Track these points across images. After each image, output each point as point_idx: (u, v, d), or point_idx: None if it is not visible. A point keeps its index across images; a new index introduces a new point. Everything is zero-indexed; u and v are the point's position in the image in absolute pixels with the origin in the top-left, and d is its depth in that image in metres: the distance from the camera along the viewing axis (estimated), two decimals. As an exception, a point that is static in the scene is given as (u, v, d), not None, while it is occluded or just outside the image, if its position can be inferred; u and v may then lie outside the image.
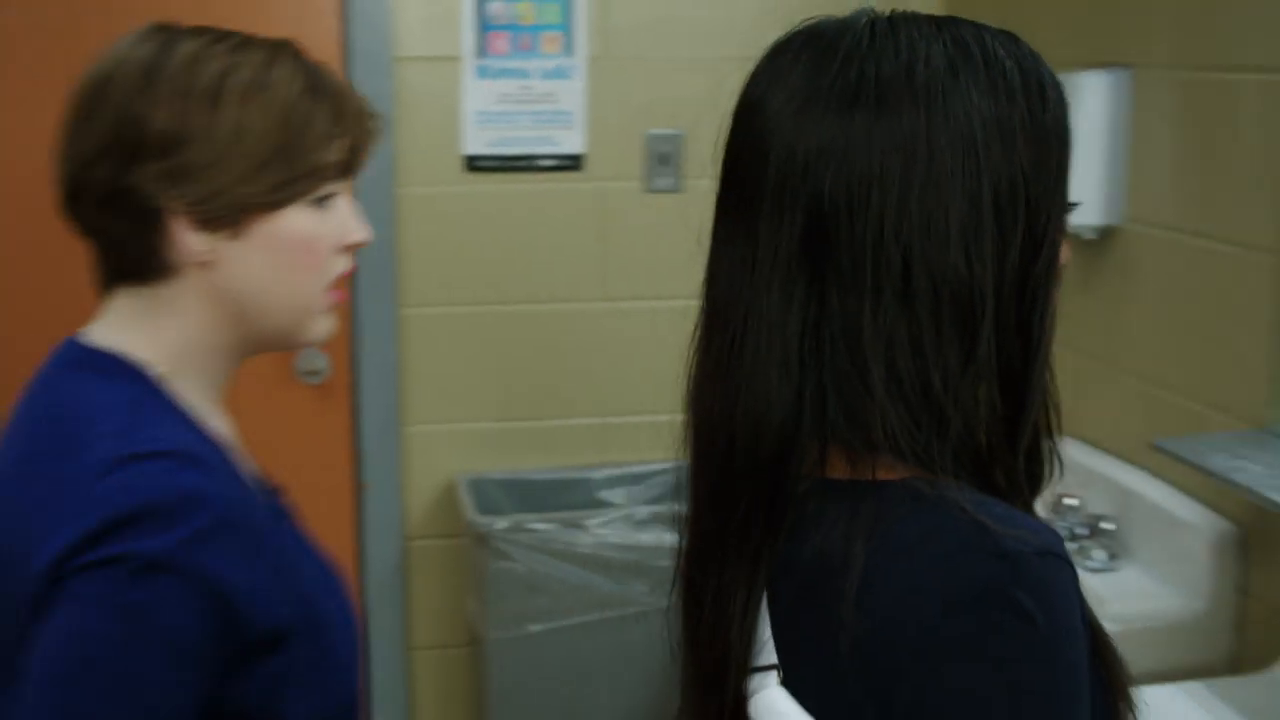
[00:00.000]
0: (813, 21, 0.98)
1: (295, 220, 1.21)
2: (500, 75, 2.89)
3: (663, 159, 3.00)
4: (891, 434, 0.91)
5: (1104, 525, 2.25)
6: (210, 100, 1.17)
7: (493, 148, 2.91)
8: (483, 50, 2.87)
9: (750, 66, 1.00)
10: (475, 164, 2.91)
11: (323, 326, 1.27)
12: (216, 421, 1.26)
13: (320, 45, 2.78)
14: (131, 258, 1.21)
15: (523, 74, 2.89)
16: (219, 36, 1.21)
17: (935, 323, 0.91)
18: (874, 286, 0.91)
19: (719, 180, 1.00)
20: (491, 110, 2.89)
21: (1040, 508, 1.00)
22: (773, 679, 0.95)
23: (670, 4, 2.95)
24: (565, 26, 2.90)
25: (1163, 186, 2.29)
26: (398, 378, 2.95)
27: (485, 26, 2.87)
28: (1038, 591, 0.85)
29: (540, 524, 2.71)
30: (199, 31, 1.21)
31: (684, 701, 1.07)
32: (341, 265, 1.27)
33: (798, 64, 0.95)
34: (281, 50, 1.23)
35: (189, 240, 1.18)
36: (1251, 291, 2.08)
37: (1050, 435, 0.98)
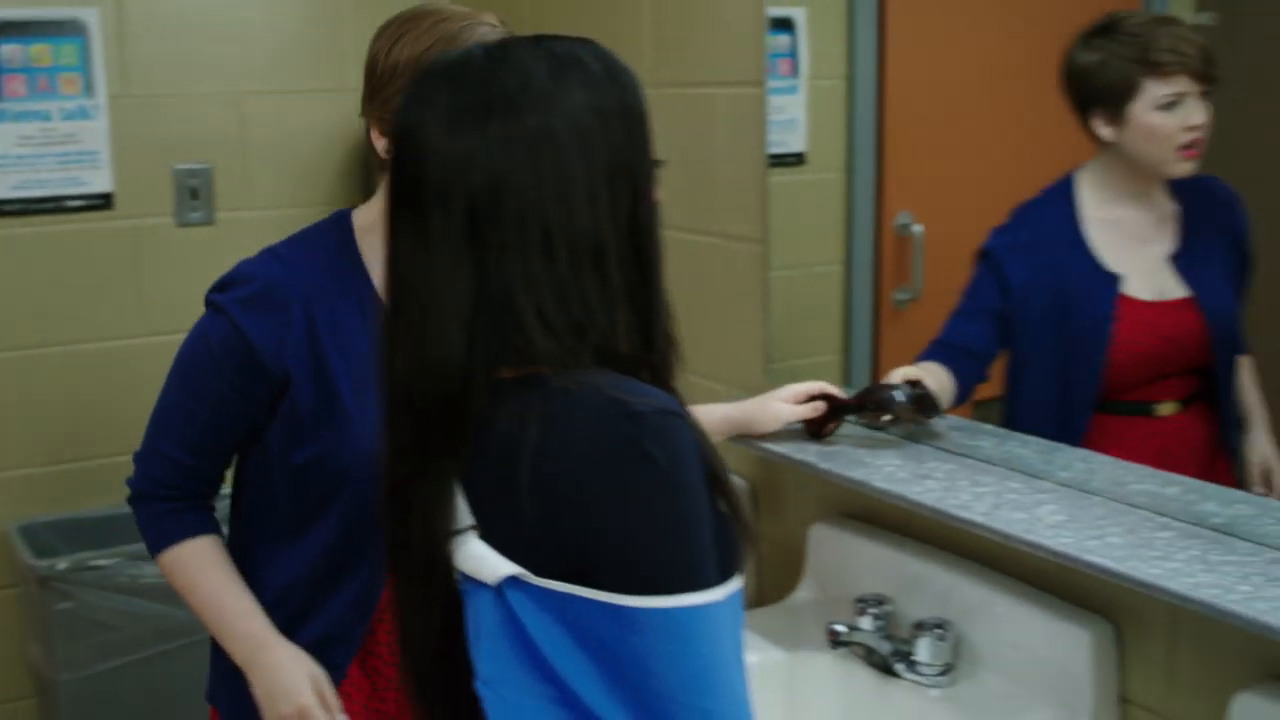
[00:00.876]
0: (437, 58, 1.26)
1: None
2: (19, 118, 2.87)
3: (193, 193, 3.06)
4: (546, 356, 1.18)
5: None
6: (389, 46, 1.74)
7: (16, 191, 2.89)
8: (-2, 94, 2.85)
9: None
10: (0, 208, 2.88)
11: None
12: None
13: None
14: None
15: (43, 115, 2.89)
16: (444, 15, 1.75)
17: (574, 270, 1.18)
18: (523, 252, 1.17)
19: (390, 190, 1.24)
20: (12, 153, 2.87)
21: None
22: (472, 535, 1.21)
23: (188, 40, 3.01)
24: (83, 67, 2.91)
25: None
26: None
27: (-1, 70, 2.85)
28: (659, 440, 1.13)
29: (103, 560, 2.72)
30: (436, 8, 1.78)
31: (400, 602, 1.31)
32: None
33: (440, 92, 1.20)
34: (460, 17, 1.74)
35: (380, 145, 1.75)
36: (741, 276, 2.39)
37: (673, 334, 1.28)
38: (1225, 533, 1.68)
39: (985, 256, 2.32)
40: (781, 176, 2.48)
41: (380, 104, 1.75)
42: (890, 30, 2.57)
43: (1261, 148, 3.10)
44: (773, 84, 2.44)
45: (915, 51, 2.62)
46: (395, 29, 1.77)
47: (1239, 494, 1.83)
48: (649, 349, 1.25)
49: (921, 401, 2.03)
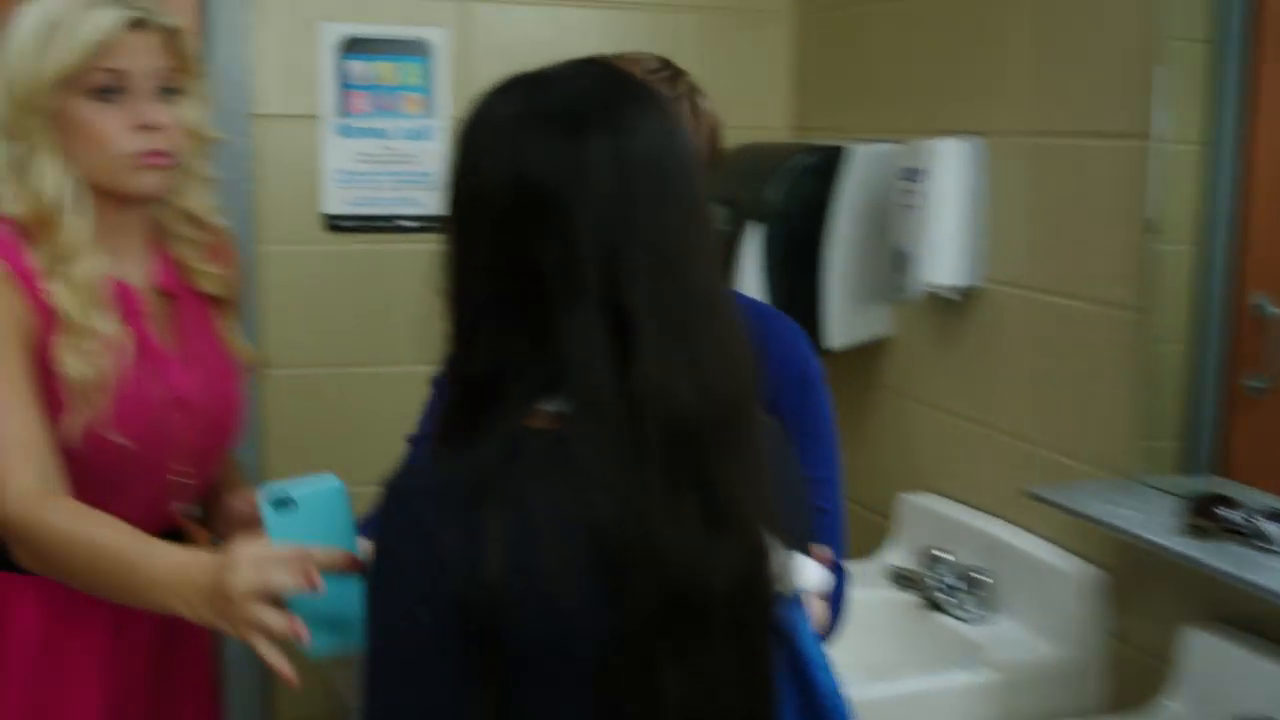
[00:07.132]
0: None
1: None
2: (361, 135, 2.87)
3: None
4: None
5: (976, 576, 2.32)
6: None
7: (353, 207, 2.88)
8: (343, 109, 2.86)
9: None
10: (336, 223, 2.88)
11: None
12: None
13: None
14: None
15: (383, 134, 2.88)
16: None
17: None
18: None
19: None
20: (351, 169, 2.87)
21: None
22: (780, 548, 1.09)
23: (530, 65, 2.96)
24: (426, 89, 2.90)
25: (1020, 248, 2.40)
26: (259, 438, 2.86)
27: (345, 85, 2.85)
28: None
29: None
30: None
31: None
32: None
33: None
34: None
35: None
36: (1110, 346, 2.19)
37: None
38: None
39: None
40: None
41: None
42: (1263, 91, 2.37)
43: None
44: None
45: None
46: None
47: None
48: None
49: None
